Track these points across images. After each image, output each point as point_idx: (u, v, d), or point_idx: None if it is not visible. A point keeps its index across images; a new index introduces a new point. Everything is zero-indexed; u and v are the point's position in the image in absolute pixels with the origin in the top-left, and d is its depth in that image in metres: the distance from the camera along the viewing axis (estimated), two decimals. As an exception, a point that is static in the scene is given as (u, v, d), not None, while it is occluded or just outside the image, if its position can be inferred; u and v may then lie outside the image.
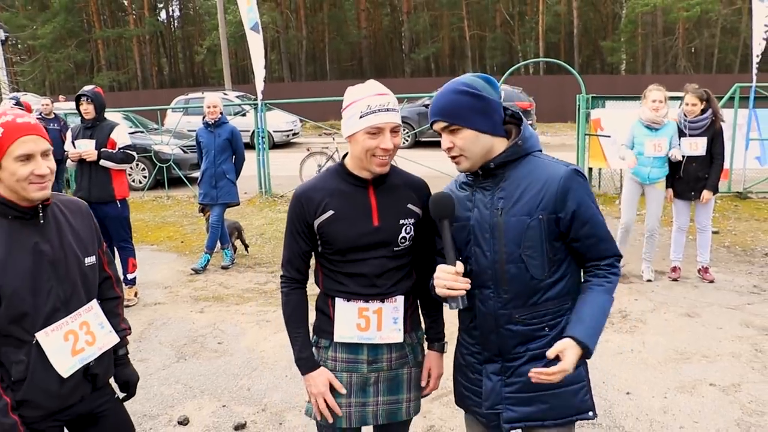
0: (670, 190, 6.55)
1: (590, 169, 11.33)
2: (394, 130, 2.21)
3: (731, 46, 38.16)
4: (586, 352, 2.04)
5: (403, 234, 2.32)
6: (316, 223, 2.30)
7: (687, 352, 4.95)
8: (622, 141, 6.71)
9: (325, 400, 2.34)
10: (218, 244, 7.71)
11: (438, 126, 2.16)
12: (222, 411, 4.26)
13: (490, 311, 2.18)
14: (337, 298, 2.35)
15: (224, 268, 7.63)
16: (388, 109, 2.18)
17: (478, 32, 43.18)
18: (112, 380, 2.51)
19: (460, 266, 2.09)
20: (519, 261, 2.10)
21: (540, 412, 2.19)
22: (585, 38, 42.25)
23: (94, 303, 2.35)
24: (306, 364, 2.38)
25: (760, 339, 5.15)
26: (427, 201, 2.37)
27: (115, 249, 6.38)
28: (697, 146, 6.34)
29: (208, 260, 7.62)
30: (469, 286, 2.09)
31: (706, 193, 6.38)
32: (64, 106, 15.39)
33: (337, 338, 2.35)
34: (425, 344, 2.56)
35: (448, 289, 2.07)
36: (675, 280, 6.66)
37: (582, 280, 2.25)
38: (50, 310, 2.17)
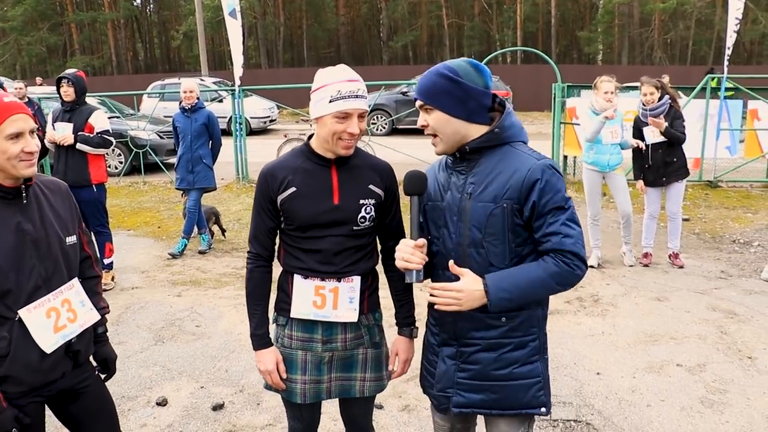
0: (641, 182, 6.68)
1: (565, 157, 11.49)
2: (361, 116, 2.30)
3: (705, 39, 38.65)
4: (488, 298, 2.06)
5: (362, 214, 2.38)
6: (279, 199, 2.37)
7: (656, 334, 5.09)
8: (586, 132, 6.61)
9: (272, 377, 2.45)
10: (195, 229, 7.72)
11: (417, 103, 2.22)
12: (200, 392, 4.31)
13: None
14: (295, 275, 2.42)
15: (201, 252, 7.64)
16: (357, 96, 2.26)
17: (456, 20, 43.22)
18: (91, 358, 2.55)
19: (421, 241, 2.15)
20: (480, 246, 2.13)
21: (489, 401, 2.23)
22: (562, 28, 42.51)
23: (76, 281, 2.39)
24: (259, 340, 2.46)
25: (726, 322, 5.31)
26: (390, 184, 2.47)
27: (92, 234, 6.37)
28: (658, 132, 6.48)
29: (186, 245, 7.63)
30: (423, 261, 2.14)
31: (655, 121, 6.32)
32: (38, 91, 15.18)
33: (293, 314, 2.42)
34: (384, 326, 2.61)
35: (405, 261, 2.14)
36: (646, 265, 6.81)
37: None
38: (32, 288, 2.21)
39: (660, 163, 6.53)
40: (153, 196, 11.30)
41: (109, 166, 12.85)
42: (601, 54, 40.71)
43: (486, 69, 2.19)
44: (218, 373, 4.58)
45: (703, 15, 36.86)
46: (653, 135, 6.51)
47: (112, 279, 6.52)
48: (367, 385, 2.52)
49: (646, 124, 6.52)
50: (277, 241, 2.52)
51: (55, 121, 6.20)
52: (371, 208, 2.40)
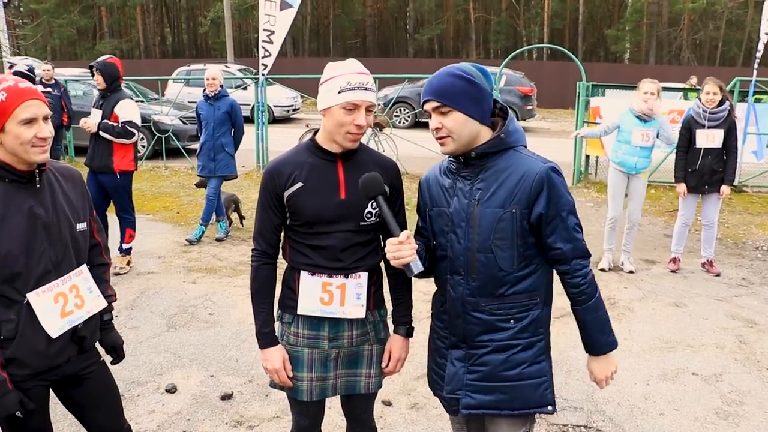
0: (683, 185, 6.46)
1: (587, 157, 11.36)
2: (368, 109, 2.30)
3: (735, 40, 37.96)
4: (611, 351, 2.33)
5: (369, 209, 2.37)
6: (286, 195, 2.36)
7: (672, 341, 5.01)
8: (606, 124, 6.73)
9: (279, 376, 2.44)
10: (213, 216, 7.73)
11: (429, 106, 2.22)
12: (210, 381, 4.32)
13: (459, 297, 2.25)
14: (302, 272, 2.40)
15: (218, 240, 7.67)
16: (366, 88, 2.27)
17: (483, 15, 42.85)
18: (98, 345, 2.56)
19: (403, 234, 2.16)
20: (489, 251, 2.17)
21: (498, 401, 2.26)
22: (590, 25, 41.99)
23: (84, 268, 2.40)
24: (266, 339, 2.45)
25: (745, 331, 5.21)
26: (395, 180, 2.46)
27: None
28: (714, 138, 6.29)
29: (203, 232, 7.65)
30: (414, 250, 2.15)
31: (725, 188, 6.37)
32: (66, 73, 15.29)
33: (300, 311, 2.41)
34: (390, 323, 2.61)
35: (397, 258, 2.15)
36: (674, 271, 6.68)
37: (554, 279, 2.32)
38: (42, 272, 2.22)
39: (707, 170, 6.32)
40: (173, 181, 11.35)
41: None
42: (628, 53, 40.23)
43: (489, 73, 2.24)
44: (228, 362, 4.58)
45: (734, 15, 36.22)
46: (707, 140, 6.30)
47: (128, 263, 6.55)
48: (372, 381, 2.53)
49: (702, 126, 6.31)
50: (282, 237, 2.51)
51: (93, 106, 6.35)
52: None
